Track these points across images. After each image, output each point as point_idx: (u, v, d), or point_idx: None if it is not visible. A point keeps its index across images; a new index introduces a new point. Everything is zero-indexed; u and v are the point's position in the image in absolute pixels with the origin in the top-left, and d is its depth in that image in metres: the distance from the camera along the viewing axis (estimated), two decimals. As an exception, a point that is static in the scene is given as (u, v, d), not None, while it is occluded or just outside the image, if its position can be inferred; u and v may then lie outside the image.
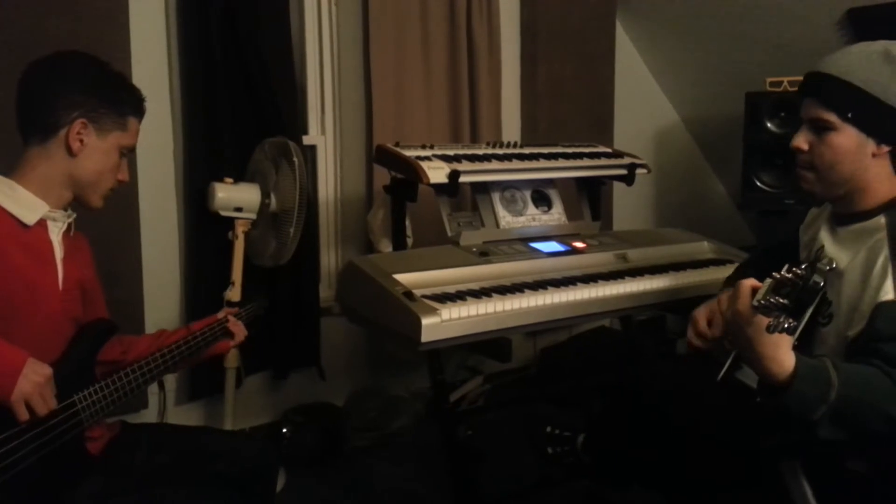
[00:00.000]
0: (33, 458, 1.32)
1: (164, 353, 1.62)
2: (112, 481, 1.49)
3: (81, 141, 1.48)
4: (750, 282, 1.26)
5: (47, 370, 1.32)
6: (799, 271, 1.13)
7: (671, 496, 1.84)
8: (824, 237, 1.57)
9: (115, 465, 1.55)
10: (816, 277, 1.12)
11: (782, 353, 1.22)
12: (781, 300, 1.12)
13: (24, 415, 1.28)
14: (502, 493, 2.45)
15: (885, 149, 1.47)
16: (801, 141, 1.52)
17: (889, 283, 1.37)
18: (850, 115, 1.45)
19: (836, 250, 1.52)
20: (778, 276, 1.16)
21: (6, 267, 1.40)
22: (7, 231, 1.42)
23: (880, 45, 1.47)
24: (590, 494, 2.34)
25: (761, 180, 3.14)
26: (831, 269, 1.16)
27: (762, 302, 1.14)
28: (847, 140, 1.46)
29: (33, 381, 1.28)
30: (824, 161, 1.49)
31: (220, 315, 1.83)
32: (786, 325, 1.11)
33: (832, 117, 1.46)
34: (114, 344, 1.64)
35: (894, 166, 1.49)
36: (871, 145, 1.46)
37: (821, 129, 1.49)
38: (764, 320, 1.16)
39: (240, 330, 1.83)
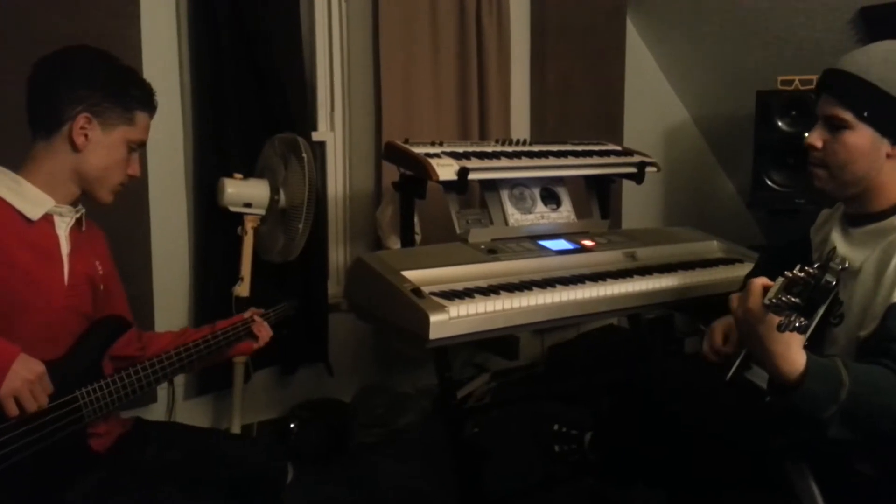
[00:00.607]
0: (27, 453, 1.31)
1: (181, 351, 1.60)
2: (114, 478, 1.48)
3: (86, 136, 1.47)
4: (761, 280, 1.25)
5: (39, 367, 1.31)
6: (811, 270, 1.13)
7: (676, 495, 1.83)
8: (836, 238, 1.56)
9: (122, 461, 1.54)
10: (829, 277, 1.12)
11: (793, 352, 1.22)
12: (793, 299, 1.12)
13: (12, 411, 1.27)
14: (508, 491, 2.45)
15: None
16: (815, 138, 1.51)
17: None
18: (866, 115, 1.44)
19: (849, 251, 1.51)
20: (790, 274, 1.15)
21: (7, 262, 1.40)
22: (10, 226, 1.42)
23: None
24: (594, 493, 2.34)
25: (772, 179, 3.13)
26: (844, 269, 1.15)
27: (773, 300, 1.14)
28: (862, 139, 1.45)
29: (23, 378, 1.27)
30: (838, 159, 1.48)
31: (247, 315, 1.78)
32: (797, 324, 1.11)
33: (848, 116, 1.45)
34: (130, 340, 1.64)
35: None
36: (885, 146, 1.45)
37: (836, 127, 1.47)
38: (775, 319, 1.16)
39: (264, 332, 1.78)
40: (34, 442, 1.32)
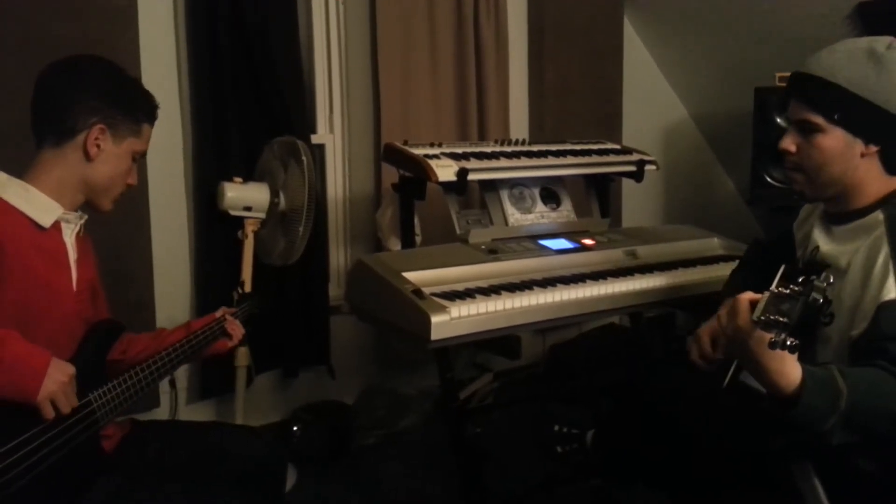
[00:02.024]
0: (54, 458, 1.33)
1: (170, 352, 1.63)
2: (126, 479, 1.50)
3: (99, 146, 1.49)
4: (747, 296, 1.24)
5: (70, 369, 1.34)
6: (796, 288, 1.12)
7: (677, 495, 1.83)
8: (818, 236, 1.56)
9: (128, 462, 1.56)
10: (815, 294, 1.11)
11: (788, 366, 1.20)
12: (781, 318, 1.11)
13: (50, 413, 1.30)
14: (510, 492, 2.45)
15: (874, 148, 1.44)
16: (789, 143, 1.51)
17: (891, 281, 1.35)
18: (836, 117, 1.43)
19: (833, 249, 1.50)
20: (776, 290, 1.15)
21: (23, 269, 1.41)
22: (24, 233, 1.43)
23: (865, 42, 1.45)
24: (596, 494, 2.34)
25: (771, 176, 3.12)
26: (829, 285, 1.15)
27: (762, 318, 1.13)
28: (835, 141, 1.45)
29: (58, 381, 1.30)
30: (812, 163, 1.48)
31: (218, 314, 1.82)
32: (787, 343, 1.10)
33: (819, 119, 1.44)
34: (117, 343, 1.65)
35: (883, 165, 1.46)
36: (859, 145, 1.44)
37: (808, 130, 1.47)
38: (766, 334, 1.14)
39: (237, 330, 1.82)
40: (61, 446, 1.34)
